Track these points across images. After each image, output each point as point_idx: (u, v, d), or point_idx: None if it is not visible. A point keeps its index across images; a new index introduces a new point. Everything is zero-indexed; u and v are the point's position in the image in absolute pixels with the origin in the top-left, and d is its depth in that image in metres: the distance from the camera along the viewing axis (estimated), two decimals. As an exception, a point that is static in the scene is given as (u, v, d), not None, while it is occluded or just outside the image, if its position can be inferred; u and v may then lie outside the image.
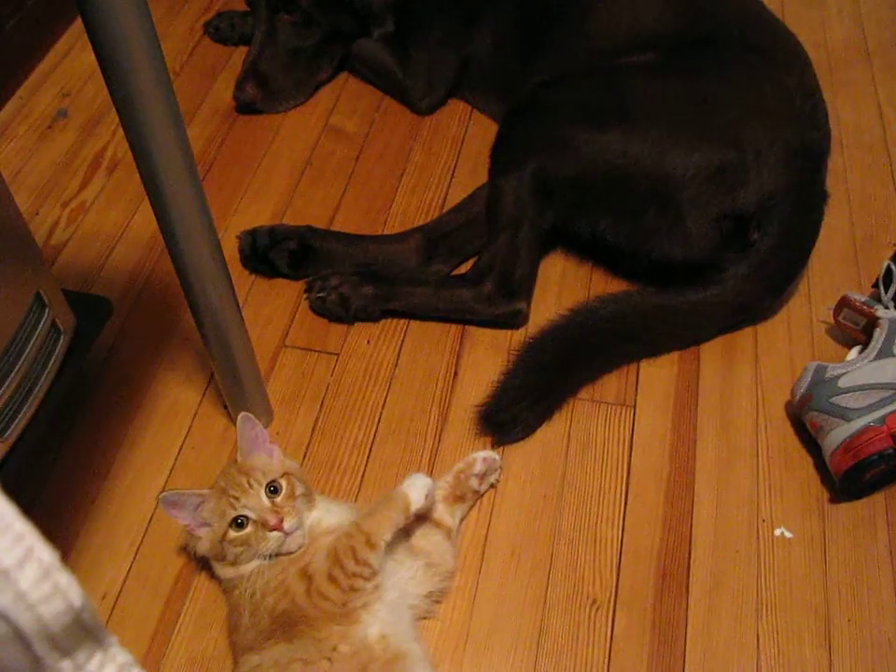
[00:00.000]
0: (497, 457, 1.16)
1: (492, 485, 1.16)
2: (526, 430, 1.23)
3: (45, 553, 0.39)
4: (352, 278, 1.32)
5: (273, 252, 1.38)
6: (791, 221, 1.28)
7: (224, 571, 0.99)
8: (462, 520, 1.13)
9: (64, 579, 0.39)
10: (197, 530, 0.99)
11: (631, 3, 1.45)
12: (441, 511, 1.08)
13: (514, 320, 1.32)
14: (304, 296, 1.36)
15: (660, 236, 1.29)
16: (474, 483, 1.12)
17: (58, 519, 1.13)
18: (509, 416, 1.22)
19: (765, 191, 1.26)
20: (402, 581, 0.99)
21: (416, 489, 1.00)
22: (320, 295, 1.32)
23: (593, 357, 1.28)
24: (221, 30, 1.81)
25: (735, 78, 1.31)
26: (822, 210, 1.33)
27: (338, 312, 1.32)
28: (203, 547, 0.99)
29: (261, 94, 1.65)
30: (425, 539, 1.05)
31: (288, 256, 1.38)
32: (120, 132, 0.86)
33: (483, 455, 1.14)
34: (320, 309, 1.34)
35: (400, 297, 1.32)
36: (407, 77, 1.68)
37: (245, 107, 1.67)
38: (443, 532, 1.07)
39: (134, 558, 1.10)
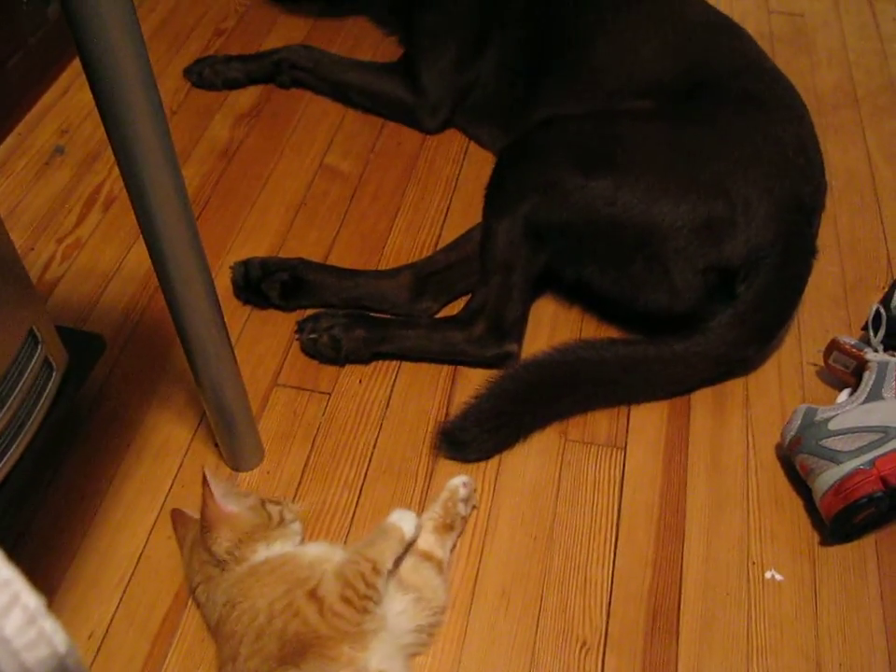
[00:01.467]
0: (472, 479, 1.18)
1: (474, 507, 1.18)
2: (482, 453, 1.24)
3: (31, 598, 0.39)
4: (343, 320, 1.33)
5: (265, 283, 1.39)
6: (777, 274, 1.28)
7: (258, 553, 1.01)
8: (452, 550, 1.13)
9: (49, 625, 0.39)
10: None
11: (633, 50, 1.47)
12: (433, 543, 1.09)
13: (505, 362, 1.32)
14: (295, 336, 1.36)
15: (645, 286, 1.29)
16: (461, 508, 1.14)
17: (46, 556, 1.12)
18: (468, 437, 1.23)
19: (753, 245, 1.26)
20: (392, 615, 0.99)
21: (407, 521, 1.06)
22: (311, 336, 1.33)
23: (567, 396, 1.29)
24: (204, 76, 1.82)
25: (729, 130, 1.32)
26: (810, 265, 1.33)
27: (329, 354, 1.32)
28: (248, 522, 1.02)
29: None
30: (416, 573, 1.05)
31: (280, 287, 1.39)
32: (117, 169, 0.87)
33: (463, 480, 1.16)
34: (311, 350, 1.34)
35: (392, 339, 1.33)
36: (417, 98, 1.71)
37: None
38: (434, 565, 1.07)
39: (122, 597, 1.10)
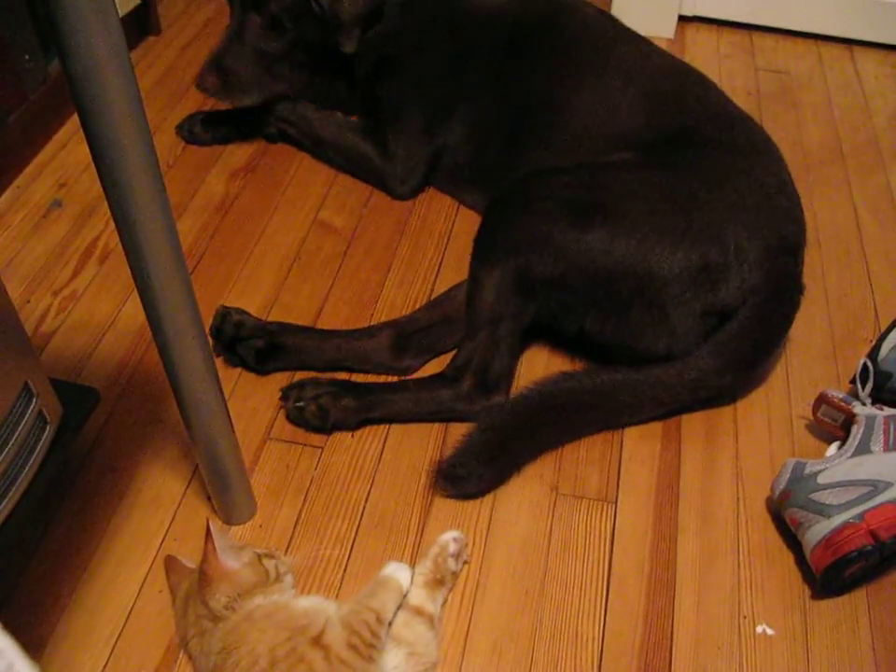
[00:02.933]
0: (463, 535, 1.18)
1: (465, 562, 1.18)
2: (480, 486, 1.25)
3: (25, 667, 0.39)
4: (330, 388, 1.31)
5: (240, 346, 1.38)
6: (763, 308, 1.31)
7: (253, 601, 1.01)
8: (443, 605, 1.12)
9: (43, 692, 0.40)
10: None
11: (605, 104, 1.50)
12: (424, 598, 1.09)
13: None
14: (280, 404, 1.35)
15: (646, 332, 1.31)
16: (451, 563, 1.15)
17: (37, 609, 1.12)
18: (465, 471, 1.23)
19: (747, 286, 1.29)
20: (387, 670, 0.99)
21: (403, 573, 1.08)
22: (298, 405, 1.31)
23: (553, 424, 1.30)
24: (195, 132, 1.85)
25: (714, 176, 1.35)
26: (797, 301, 1.36)
27: (315, 423, 1.30)
28: (247, 580, 1.01)
29: (222, 87, 1.73)
30: (408, 628, 1.05)
31: (255, 353, 1.37)
32: (113, 223, 0.88)
33: (453, 536, 1.16)
34: (297, 419, 1.32)
35: (381, 405, 1.32)
36: (386, 165, 1.72)
37: (205, 92, 1.76)
38: (426, 620, 1.07)
39: (112, 651, 1.09)
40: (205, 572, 1.00)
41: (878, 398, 1.31)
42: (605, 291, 1.30)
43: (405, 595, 1.07)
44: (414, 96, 1.69)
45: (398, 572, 1.08)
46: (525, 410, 1.29)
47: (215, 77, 1.71)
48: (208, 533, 1.00)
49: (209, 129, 1.84)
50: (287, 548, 1.19)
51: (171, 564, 1.11)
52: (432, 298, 1.52)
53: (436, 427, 1.34)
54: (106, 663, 1.08)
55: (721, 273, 1.28)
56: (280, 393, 1.35)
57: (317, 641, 0.96)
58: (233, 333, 1.38)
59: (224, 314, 1.39)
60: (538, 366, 1.44)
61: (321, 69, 1.74)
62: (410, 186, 1.73)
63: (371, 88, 1.73)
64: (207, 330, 1.37)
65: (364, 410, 1.32)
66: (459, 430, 1.33)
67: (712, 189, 1.33)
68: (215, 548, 1.00)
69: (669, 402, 1.34)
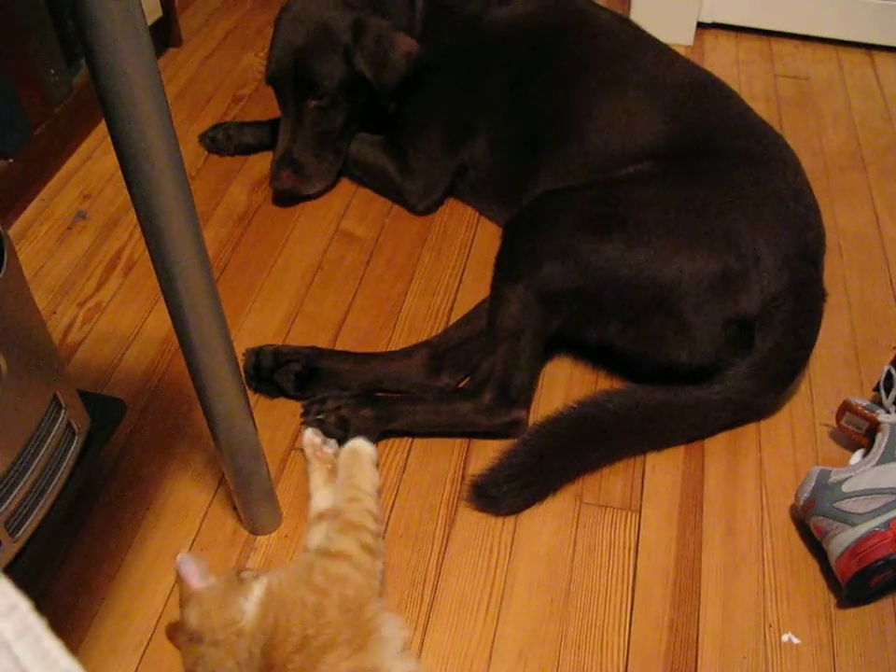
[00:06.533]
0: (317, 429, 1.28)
1: (338, 442, 1.25)
2: (512, 508, 1.25)
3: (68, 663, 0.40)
4: (350, 400, 1.31)
5: (278, 374, 1.37)
6: (792, 320, 1.31)
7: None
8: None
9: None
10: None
11: (625, 115, 1.50)
12: (327, 495, 1.17)
13: (513, 430, 1.33)
14: (301, 420, 1.35)
15: (667, 342, 1.31)
16: (328, 450, 1.23)
17: (65, 619, 1.13)
18: (498, 492, 1.24)
19: (767, 294, 1.29)
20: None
21: (363, 442, 1.19)
22: (318, 417, 1.31)
23: (594, 449, 1.30)
24: (218, 141, 1.86)
25: (730, 185, 1.35)
26: (822, 308, 1.36)
27: (337, 434, 1.29)
28: (215, 590, 1.00)
29: (297, 179, 1.71)
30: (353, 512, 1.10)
31: (294, 378, 1.37)
32: (138, 233, 0.89)
33: (308, 434, 1.27)
34: None
35: (401, 416, 1.32)
36: (405, 181, 1.73)
37: (283, 194, 1.74)
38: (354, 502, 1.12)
39: (140, 661, 1.10)
40: (180, 598, 0.99)
41: (903, 405, 1.31)
42: (626, 302, 1.31)
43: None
44: (435, 113, 1.70)
45: (358, 443, 1.19)
46: (565, 434, 1.29)
47: (289, 172, 1.69)
48: (177, 570, 1.00)
49: (232, 138, 1.86)
50: (313, 557, 1.19)
51: (173, 627, 1.08)
52: (456, 309, 1.53)
53: (460, 437, 1.35)
54: (136, 670, 1.09)
55: (741, 281, 1.29)
56: (302, 409, 1.36)
57: (329, 554, 1.00)
58: (272, 363, 1.38)
59: (256, 350, 1.40)
60: (560, 378, 1.44)
61: (367, 123, 1.76)
62: (427, 203, 1.74)
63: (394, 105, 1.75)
64: (242, 369, 1.35)
65: (384, 420, 1.32)
66: (484, 441, 1.34)
67: (729, 199, 1.33)
68: (182, 577, 0.99)
69: (712, 426, 1.35)
